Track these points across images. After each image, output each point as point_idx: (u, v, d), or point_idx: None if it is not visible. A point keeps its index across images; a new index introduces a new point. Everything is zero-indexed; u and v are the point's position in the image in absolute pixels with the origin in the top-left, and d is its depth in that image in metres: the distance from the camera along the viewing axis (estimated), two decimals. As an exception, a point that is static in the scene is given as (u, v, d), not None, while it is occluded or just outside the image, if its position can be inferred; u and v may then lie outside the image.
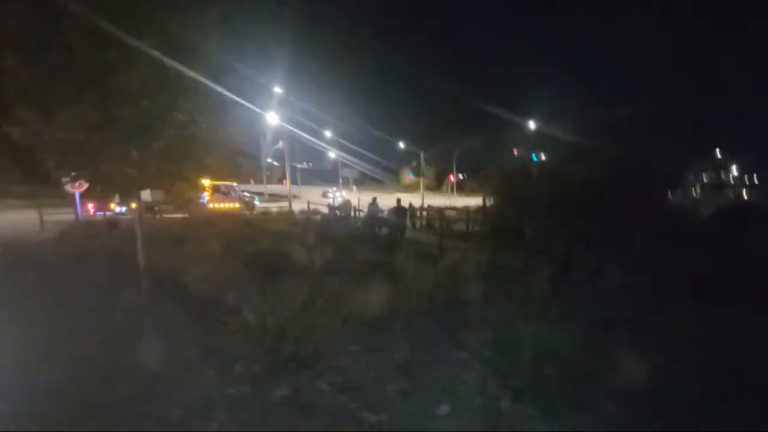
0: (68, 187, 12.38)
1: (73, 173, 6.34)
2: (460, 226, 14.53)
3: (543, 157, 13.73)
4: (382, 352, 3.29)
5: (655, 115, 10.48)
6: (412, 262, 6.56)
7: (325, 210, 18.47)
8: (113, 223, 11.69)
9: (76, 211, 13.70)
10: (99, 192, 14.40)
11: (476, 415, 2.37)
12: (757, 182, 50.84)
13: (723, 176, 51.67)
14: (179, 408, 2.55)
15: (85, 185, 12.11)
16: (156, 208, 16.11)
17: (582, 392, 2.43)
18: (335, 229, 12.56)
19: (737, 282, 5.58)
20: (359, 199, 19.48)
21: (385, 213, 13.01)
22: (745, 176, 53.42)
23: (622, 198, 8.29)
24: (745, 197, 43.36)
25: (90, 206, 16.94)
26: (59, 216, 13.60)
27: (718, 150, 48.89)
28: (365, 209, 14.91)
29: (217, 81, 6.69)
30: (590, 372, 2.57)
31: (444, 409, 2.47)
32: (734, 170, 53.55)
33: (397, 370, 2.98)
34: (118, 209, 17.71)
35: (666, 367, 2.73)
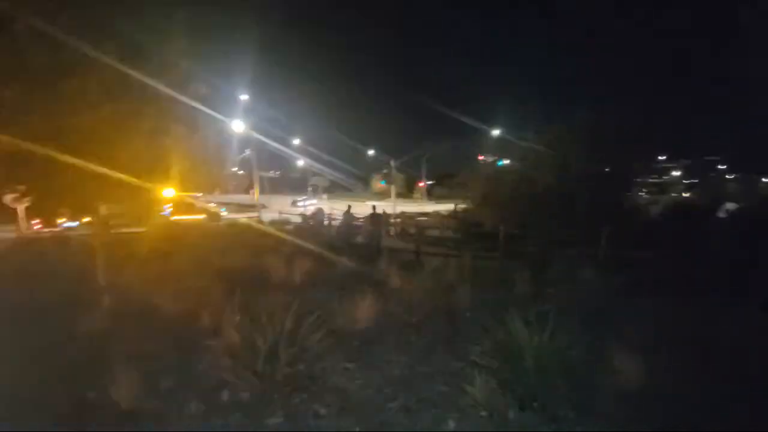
0: (9, 202, 11.24)
1: (21, 188, 5.72)
2: (433, 232, 14.69)
3: (507, 163, 14.23)
4: (378, 368, 3.18)
5: (613, 122, 11.19)
6: (393, 271, 6.50)
7: (297, 219, 18.01)
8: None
9: (18, 228, 12.42)
10: (45, 206, 13.16)
11: (484, 429, 2.32)
12: (696, 182, 56.48)
13: (665, 178, 56.85)
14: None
15: (27, 200, 11.04)
16: (110, 223, 14.95)
17: (587, 396, 2.46)
18: (310, 239, 12.25)
19: (697, 275, 6.04)
20: (331, 207, 19.22)
21: (360, 221, 12.89)
22: (684, 180, 59.18)
23: (587, 201, 8.72)
24: (685, 196, 47.62)
25: (35, 222, 15.45)
26: (-1, 234, 12.29)
27: (661, 155, 53.55)
28: (338, 218, 14.71)
29: (182, 88, 6.35)
30: (592, 374, 2.61)
31: (450, 424, 2.41)
32: (675, 172, 59.04)
33: (396, 386, 2.88)
34: (68, 224, 16.29)
35: (663, 363, 2.84)
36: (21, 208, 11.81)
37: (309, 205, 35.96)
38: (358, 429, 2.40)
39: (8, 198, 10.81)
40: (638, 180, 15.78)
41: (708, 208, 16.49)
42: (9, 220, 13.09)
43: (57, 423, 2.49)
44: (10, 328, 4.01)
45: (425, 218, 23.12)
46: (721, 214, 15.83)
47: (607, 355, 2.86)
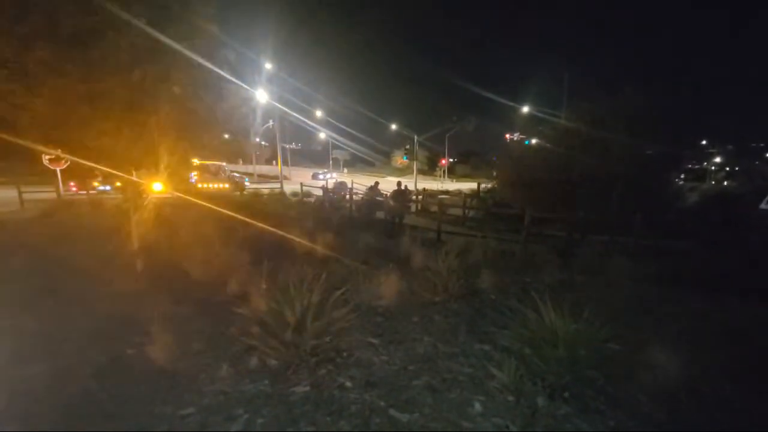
0: (49, 164, 11.76)
1: (58, 150, 5.90)
2: (456, 211, 14.47)
3: (534, 142, 13.66)
4: (402, 345, 3.18)
5: (654, 105, 10.43)
6: (416, 249, 6.45)
7: (318, 192, 18.11)
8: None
9: (57, 190, 13.04)
10: (80, 169, 13.74)
11: (512, 414, 2.28)
12: (737, 170, 53.11)
13: (705, 164, 53.60)
14: (195, 406, 2.40)
15: (66, 162, 11.52)
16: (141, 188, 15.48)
17: (623, 391, 2.37)
18: (331, 212, 12.31)
19: (730, 269, 5.74)
20: (352, 181, 19.15)
21: (383, 197, 12.80)
22: (726, 167, 55.58)
23: (628, 185, 8.29)
24: (725, 184, 44.99)
25: (71, 184, 16.17)
26: (39, 194, 12.95)
27: (702, 140, 50.25)
28: (360, 192, 14.66)
29: (210, 56, 6.25)
30: (630, 368, 2.50)
31: (476, 406, 2.39)
32: (717, 158, 55.48)
33: (420, 364, 2.88)
34: (101, 188, 17.01)
35: (705, 361, 2.70)
36: (58, 170, 12.34)
37: (329, 178, 36.01)
38: (383, 404, 2.41)
39: (46, 159, 11.31)
40: (685, 166, 14.93)
41: (749, 198, 15.52)
42: (49, 182, 13.73)
43: (90, 383, 2.62)
44: (46, 290, 4.23)
45: (446, 196, 22.84)
46: (764, 206, 14.86)
47: (645, 350, 2.74)
